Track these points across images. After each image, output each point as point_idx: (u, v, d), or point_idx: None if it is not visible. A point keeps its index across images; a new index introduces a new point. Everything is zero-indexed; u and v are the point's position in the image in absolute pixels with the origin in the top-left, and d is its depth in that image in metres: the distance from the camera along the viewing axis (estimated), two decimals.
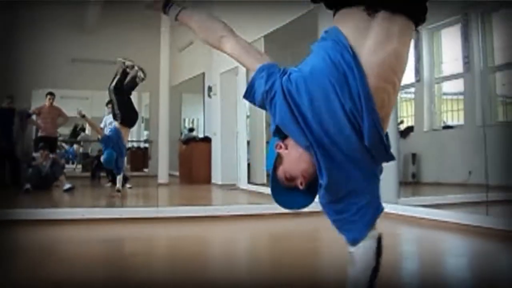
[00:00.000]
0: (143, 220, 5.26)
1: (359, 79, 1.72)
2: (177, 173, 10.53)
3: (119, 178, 7.04)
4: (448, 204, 5.72)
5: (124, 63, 7.04)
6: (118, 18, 9.50)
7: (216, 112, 9.88)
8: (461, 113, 7.92)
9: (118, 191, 6.96)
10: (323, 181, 1.80)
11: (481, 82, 7.34)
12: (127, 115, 7.14)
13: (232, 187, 8.83)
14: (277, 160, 1.85)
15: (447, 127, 8.09)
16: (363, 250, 1.84)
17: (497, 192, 5.53)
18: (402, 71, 1.84)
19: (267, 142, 9.12)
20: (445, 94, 8.33)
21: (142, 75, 7.03)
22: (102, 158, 7.09)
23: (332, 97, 1.74)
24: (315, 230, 5.18)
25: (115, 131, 7.08)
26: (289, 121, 1.77)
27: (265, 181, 8.55)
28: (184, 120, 13.41)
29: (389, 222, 5.26)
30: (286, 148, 1.83)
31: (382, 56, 1.75)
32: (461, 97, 8.01)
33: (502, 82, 7.53)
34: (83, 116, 7.33)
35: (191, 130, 12.64)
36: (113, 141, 6.97)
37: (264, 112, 8.92)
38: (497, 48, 7.51)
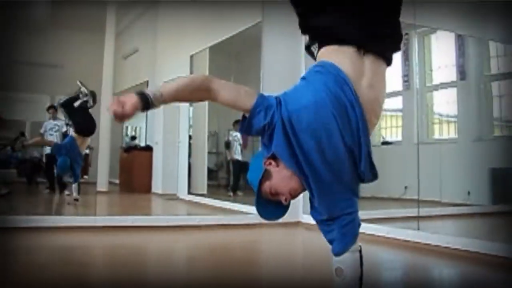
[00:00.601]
0: (81, 229, 5.17)
1: (359, 114, 1.90)
2: (117, 181, 10.40)
3: (74, 186, 6.90)
4: (383, 219, 5.88)
5: (80, 88, 7.08)
6: (64, 22, 9.34)
7: (159, 121, 9.83)
8: (400, 130, 8.14)
9: (76, 200, 6.83)
10: (315, 203, 2.02)
11: (418, 100, 7.57)
12: (81, 125, 7.11)
13: (172, 197, 8.79)
14: (265, 175, 1.98)
15: (386, 143, 8.27)
16: (350, 261, 2.05)
17: (428, 207, 5.74)
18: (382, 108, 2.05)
19: (209, 152, 9.13)
20: (385, 110, 8.54)
21: (91, 103, 7.06)
22: (56, 166, 7.02)
23: (334, 129, 1.89)
24: (254, 241, 5.23)
25: (70, 140, 7.03)
26: (284, 150, 1.91)
27: (205, 191, 8.57)
28: (127, 127, 13.27)
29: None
30: (277, 166, 1.97)
31: (375, 93, 1.97)
32: (400, 113, 8.23)
33: (439, 101, 7.80)
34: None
35: (133, 138, 12.49)
36: (66, 149, 6.91)
37: (206, 122, 9.03)
38: (434, 68, 7.78)
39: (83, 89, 7.11)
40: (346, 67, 1.93)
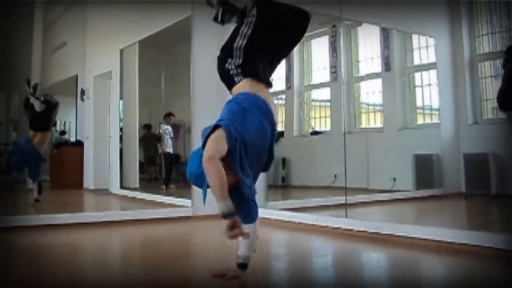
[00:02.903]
0: (11, 229, 5.07)
1: (273, 120, 3.00)
2: (47, 178, 10.19)
3: (34, 186, 6.73)
4: (314, 207, 6.05)
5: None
6: None
7: (89, 116, 9.69)
8: (329, 120, 8.34)
9: (36, 200, 6.62)
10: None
11: (345, 91, 7.78)
12: (29, 120, 7.03)
13: (105, 192, 8.72)
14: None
15: (315, 132, 8.45)
16: (253, 227, 3.00)
17: (355, 195, 5.95)
18: None
19: (141, 145, 9.04)
20: (314, 100, 8.72)
21: (30, 91, 6.96)
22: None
23: (266, 142, 2.95)
24: (188, 234, 5.29)
25: (24, 138, 6.99)
26: (237, 164, 2.76)
27: (137, 185, 8.54)
28: (56, 123, 12.98)
29: None
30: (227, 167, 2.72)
31: (272, 106, 3.03)
32: (328, 104, 8.43)
33: (365, 91, 8.05)
34: None
35: (62, 133, 12.25)
36: (21, 147, 6.86)
37: (137, 116, 8.98)
38: (361, 59, 8.02)
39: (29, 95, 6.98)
40: (264, 94, 3.01)
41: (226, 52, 3.09)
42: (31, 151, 6.84)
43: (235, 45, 3.05)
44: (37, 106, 6.92)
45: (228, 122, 2.74)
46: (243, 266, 2.97)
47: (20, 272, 3.43)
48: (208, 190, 2.71)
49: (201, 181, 2.72)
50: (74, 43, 9.73)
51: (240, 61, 3.02)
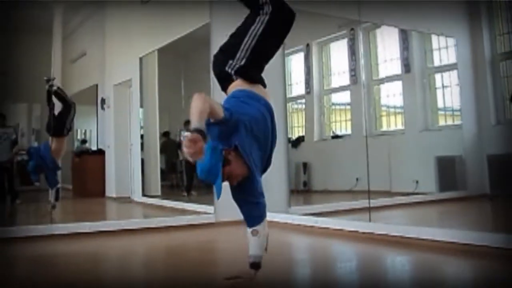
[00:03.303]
0: (36, 238, 5.11)
1: (272, 111, 2.96)
2: (69, 187, 10.26)
3: (52, 193, 6.79)
4: (336, 212, 6.01)
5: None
6: (7, 24, 9.16)
7: (110, 125, 9.74)
8: (349, 123, 8.29)
9: (53, 207, 6.68)
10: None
11: (366, 94, 7.74)
12: (47, 124, 7.10)
13: (127, 200, 8.75)
14: (225, 162, 2.61)
15: (336, 136, 8.41)
16: (263, 226, 2.97)
17: (380, 198, 5.90)
18: None
19: (162, 152, 9.06)
20: (334, 104, 8.69)
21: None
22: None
23: (267, 135, 2.89)
24: (211, 241, 5.28)
25: (44, 143, 7.05)
26: (245, 144, 2.69)
27: (159, 193, 8.56)
28: (77, 131, 13.09)
29: (279, 231, 5.46)
30: (235, 156, 2.66)
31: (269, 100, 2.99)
32: (349, 107, 8.39)
33: (385, 93, 8.00)
34: None
35: (83, 142, 12.34)
36: (37, 153, 6.90)
37: (158, 123, 9.00)
38: (380, 62, 7.97)
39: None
40: (264, 95, 2.99)
41: (228, 52, 3.02)
42: (49, 158, 6.89)
43: (242, 46, 2.96)
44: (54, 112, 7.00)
45: (232, 110, 2.69)
46: (256, 265, 2.95)
47: (45, 280, 3.45)
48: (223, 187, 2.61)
49: (213, 176, 2.57)
50: (94, 52, 9.80)
51: (242, 63, 2.95)
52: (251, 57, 2.96)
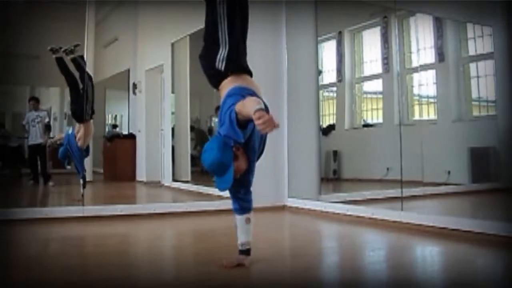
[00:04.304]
0: (69, 220, 5.20)
1: (267, 106, 2.82)
2: (100, 170, 10.37)
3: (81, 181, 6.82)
4: (367, 200, 5.98)
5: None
6: (42, 11, 9.26)
7: (141, 109, 9.82)
8: (381, 112, 8.22)
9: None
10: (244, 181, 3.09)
11: (398, 83, 7.65)
12: (71, 108, 7.30)
13: (157, 184, 8.82)
14: (234, 157, 2.82)
15: (367, 125, 8.34)
16: (252, 214, 3.20)
17: (412, 188, 5.84)
18: None
19: (192, 139, 9.11)
20: (365, 93, 8.61)
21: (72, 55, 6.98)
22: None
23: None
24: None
25: (68, 131, 7.14)
26: (256, 144, 2.99)
27: (189, 178, 8.59)
28: (108, 116, 13.21)
29: (311, 218, 5.45)
30: (242, 152, 2.90)
31: (260, 93, 3.08)
32: (380, 96, 8.31)
33: (418, 82, 7.90)
34: None
35: (114, 126, 12.45)
36: (66, 140, 6.99)
37: (188, 109, 9.03)
38: (414, 50, 7.86)
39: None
40: (252, 84, 3.09)
41: (211, 50, 3.13)
42: (74, 145, 6.93)
43: (219, 33, 3.09)
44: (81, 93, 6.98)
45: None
46: (247, 251, 3.16)
47: (75, 260, 3.49)
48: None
49: (222, 170, 2.79)
50: (126, 37, 9.87)
51: (226, 51, 3.06)
52: (231, 41, 3.08)
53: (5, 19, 9.64)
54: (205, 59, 3.20)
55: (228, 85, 3.05)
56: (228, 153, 2.79)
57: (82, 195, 6.59)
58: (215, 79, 3.15)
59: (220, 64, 3.06)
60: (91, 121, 7.12)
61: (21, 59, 8.67)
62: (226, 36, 3.08)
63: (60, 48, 6.99)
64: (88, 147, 7.20)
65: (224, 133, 2.79)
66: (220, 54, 3.07)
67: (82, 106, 7.02)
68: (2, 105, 7.48)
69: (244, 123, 2.74)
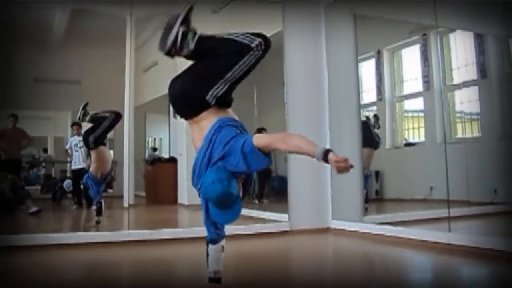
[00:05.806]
0: (115, 244, 5.24)
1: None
2: (141, 194, 10.45)
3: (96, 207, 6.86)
4: (411, 221, 5.87)
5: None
6: (82, 37, 9.45)
7: (182, 133, 9.89)
8: (422, 130, 8.11)
9: (97, 222, 6.71)
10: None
11: (440, 100, 7.54)
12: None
13: (199, 207, 8.82)
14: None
15: (408, 144, 8.25)
16: (223, 241, 3.24)
17: (458, 208, 5.71)
18: None
19: None
20: (406, 111, 8.52)
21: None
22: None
23: None
24: (286, 249, 5.25)
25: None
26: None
27: None
28: (149, 140, 13.36)
29: (354, 240, 5.38)
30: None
31: None
32: (422, 114, 8.21)
33: (460, 100, 7.78)
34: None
35: (154, 150, 12.58)
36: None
37: None
38: (454, 67, 7.76)
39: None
40: (235, 117, 3.13)
41: (208, 82, 3.05)
42: (88, 174, 6.96)
43: (229, 74, 3.00)
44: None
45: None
46: (219, 280, 3.18)
47: (119, 284, 3.51)
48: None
49: (233, 199, 2.84)
50: (165, 61, 9.92)
51: (224, 90, 3.02)
52: (234, 84, 3.06)
53: (46, 45, 9.88)
54: (194, 85, 3.10)
55: (212, 116, 3.02)
56: (235, 184, 2.84)
57: (97, 222, 6.63)
58: (198, 107, 3.05)
59: (212, 98, 2.99)
60: (102, 147, 7.11)
61: (62, 85, 8.86)
62: (233, 79, 3.03)
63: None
64: (108, 173, 7.20)
65: (234, 165, 2.82)
66: (216, 89, 3.00)
67: (87, 136, 7.10)
68: (44, 130, 7.60)
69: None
